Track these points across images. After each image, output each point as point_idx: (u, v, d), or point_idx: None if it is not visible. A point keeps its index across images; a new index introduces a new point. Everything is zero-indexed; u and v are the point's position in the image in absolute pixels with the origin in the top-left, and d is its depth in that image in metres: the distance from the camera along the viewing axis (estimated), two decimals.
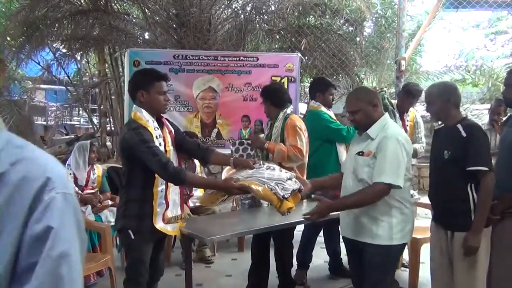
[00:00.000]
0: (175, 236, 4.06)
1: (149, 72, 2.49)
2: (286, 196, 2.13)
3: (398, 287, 3.57)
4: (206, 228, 2.70)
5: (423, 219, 4.15)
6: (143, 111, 2.38)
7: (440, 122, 2.55)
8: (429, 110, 2.52)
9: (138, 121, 2.35)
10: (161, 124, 2.48)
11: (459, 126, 2.34)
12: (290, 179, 2.21)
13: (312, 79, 4.61)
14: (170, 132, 2.52)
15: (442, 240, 2.45)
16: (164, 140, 2.43)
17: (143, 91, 2.37)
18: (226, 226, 2.73)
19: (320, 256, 3.84)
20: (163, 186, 2.39)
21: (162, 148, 2.36)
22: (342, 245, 3.87)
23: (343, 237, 2.40)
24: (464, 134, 2.30)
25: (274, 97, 3.24)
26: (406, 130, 3.81)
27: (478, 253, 2.31)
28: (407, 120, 3.95)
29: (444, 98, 2.41)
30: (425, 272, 3.67)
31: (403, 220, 2.18)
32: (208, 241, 3.59)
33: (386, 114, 2.28)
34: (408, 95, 3.87)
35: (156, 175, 2.33)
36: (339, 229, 2.51)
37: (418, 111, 4.34)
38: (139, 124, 2.33)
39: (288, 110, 3.28)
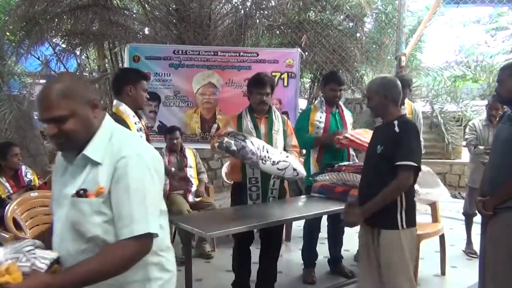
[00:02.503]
0: (175, 231, 4.10)
1: (135, 70, 2.78)
2: (44, 267, 1.27)
3: None
4: (206, 223, 2.70)
5: (423, 215, 4.15)
6: (124, 105, 2.55)
7: (380, 119, 2.53)
8: (368, 105, 2.51)
9: (120, 115, 2.51)
10: (139, 117, 2.68)
11: (395, 122, 2.35)
12: (39, 247, 1.37)
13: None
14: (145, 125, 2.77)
15: (368, 237, 2.43)
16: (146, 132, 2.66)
17: (132, 86, 2.57)
18: (226, 222, 2.73)
19: (320, 252, 3.84)
20: None
21: (144, 138, 2.53)
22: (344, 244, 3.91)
23: None
24: (397, 129, 2.31)
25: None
26: None
27: (403, 253, 2.29)
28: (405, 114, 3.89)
29: (381, 93, 2.39)
30: (424, 268, 3.70)
31: (166, 283, 1.45)
32: (208, 236, 3.60)
33: (107, 116, 1.42)
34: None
35: None
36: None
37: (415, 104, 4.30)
38: (120, 119, 2.46)
39: None
